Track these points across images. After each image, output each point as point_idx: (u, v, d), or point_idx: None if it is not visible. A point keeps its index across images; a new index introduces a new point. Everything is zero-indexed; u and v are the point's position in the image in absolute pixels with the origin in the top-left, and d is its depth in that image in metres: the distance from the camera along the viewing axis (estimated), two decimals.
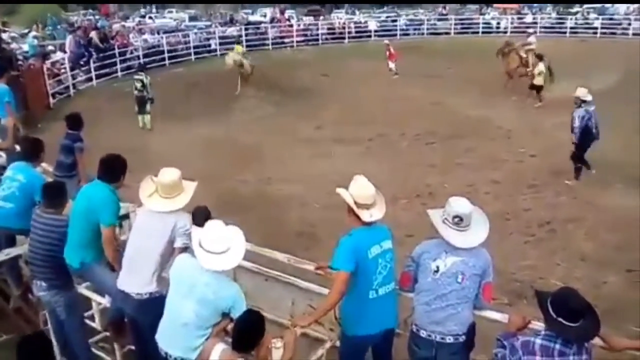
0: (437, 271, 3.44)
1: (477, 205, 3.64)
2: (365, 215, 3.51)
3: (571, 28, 29.59)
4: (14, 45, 18.46)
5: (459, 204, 3.49)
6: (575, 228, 8.20)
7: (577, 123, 9.47)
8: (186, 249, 3.76)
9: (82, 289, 4.65)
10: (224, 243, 3.35)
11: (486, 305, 3.55)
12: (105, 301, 4.52)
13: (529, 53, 16.76)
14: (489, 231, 3.52)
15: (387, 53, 20.50)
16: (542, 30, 29.78)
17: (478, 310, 3.53)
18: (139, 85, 13.98)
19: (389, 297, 3.58)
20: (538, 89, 15.61)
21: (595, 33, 28.88)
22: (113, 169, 4.25)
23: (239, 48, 19.43)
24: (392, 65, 20.24)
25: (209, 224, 3.46)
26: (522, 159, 10.74)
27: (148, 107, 13.97)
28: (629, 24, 29.03)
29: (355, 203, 3.50)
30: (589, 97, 9.58)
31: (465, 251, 3.43)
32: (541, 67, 15.38)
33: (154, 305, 3.65)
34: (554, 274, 6.95)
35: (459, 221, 3.44)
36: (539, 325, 3.10)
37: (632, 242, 7.34)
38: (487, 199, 8.90)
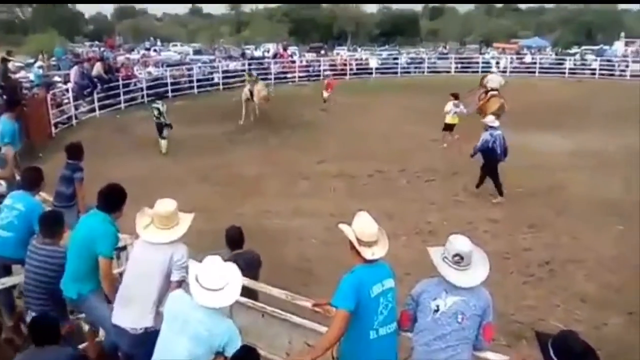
0: (437, 310, 3.39)
1: (476, 244, 3.62)
2: (367, 253, 3.44)
3: (570, 69, 30.12)
4: (20, 74, 18.68)
5: (460, 243, 3.47)
6: (576, 269, 8.13)
7: (478, 144, 10.69)
8: (182, 282, 3.72)
9: (76, 321, 4.59)
10: (221, 280, 3.30)
11: (486, 347, 3.50)
12: (100, 335, 4.45)
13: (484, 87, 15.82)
14: (488, 270, 3.50)
15: (326, 83, 22.10)
16: (541, 70, 30.36)
17: (477, 352, 3.47)
18: (156, 112, 14.52)
19: (389, 337, 3.50)
20: (448, 127, 14.77)
21: (594, 74, 29.39)
22: (112, 200, 4.22)
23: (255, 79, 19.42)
24: (326, 94, 21.44)
25: (207, 259, 3.41)
26: (520, 198, 10.74)
27: (165, 132, 14.52)
28: (627, 66, 29.55)
29: (358, 240, 3.44)
30: (495, 124, 10.74)
31: (466, 291, 3.39)
32: (449, 106, 14.62)
33: (149, 341, 3.56)
34: (554, 315, 6.86)
35: (459, 260, 3.41)
36: None
37: (633, 283, 7.28)
38: (487, 238, 8.85)
